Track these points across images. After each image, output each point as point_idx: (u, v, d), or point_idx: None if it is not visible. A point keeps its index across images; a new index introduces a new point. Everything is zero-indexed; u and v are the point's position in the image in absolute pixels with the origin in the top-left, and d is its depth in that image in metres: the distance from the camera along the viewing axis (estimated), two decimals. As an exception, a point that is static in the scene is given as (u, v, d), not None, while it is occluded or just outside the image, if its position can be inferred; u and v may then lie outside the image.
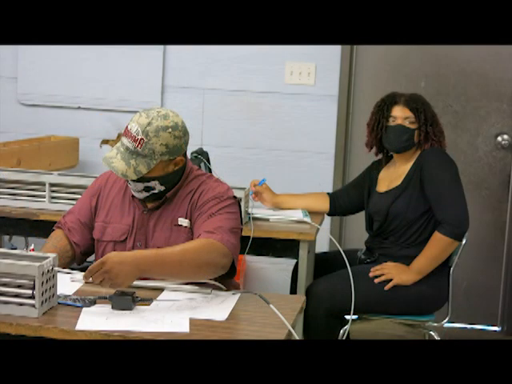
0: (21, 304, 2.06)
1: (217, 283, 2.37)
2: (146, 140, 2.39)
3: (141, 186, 2.46)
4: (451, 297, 3.37)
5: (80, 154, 4.57)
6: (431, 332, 3.38)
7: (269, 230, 3.32)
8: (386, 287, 3.24)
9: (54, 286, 2.14)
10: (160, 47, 4.55)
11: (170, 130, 2.41)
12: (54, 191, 3.42)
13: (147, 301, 2.22)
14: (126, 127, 2.43)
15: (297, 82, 4.47)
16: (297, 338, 2.08)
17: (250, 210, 3.39)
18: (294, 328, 2.10)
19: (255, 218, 3.39)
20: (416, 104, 3.35)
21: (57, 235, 2.61)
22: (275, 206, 3.62)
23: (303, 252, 3.29)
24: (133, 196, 2.54)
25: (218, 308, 2.21)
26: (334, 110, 4.47)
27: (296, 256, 3.32)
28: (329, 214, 3.70)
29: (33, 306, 2.05)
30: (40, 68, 4.68)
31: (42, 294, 2.06)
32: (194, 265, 2.26)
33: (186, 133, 2.48)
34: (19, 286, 2.07)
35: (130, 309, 2.15)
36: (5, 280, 2.07)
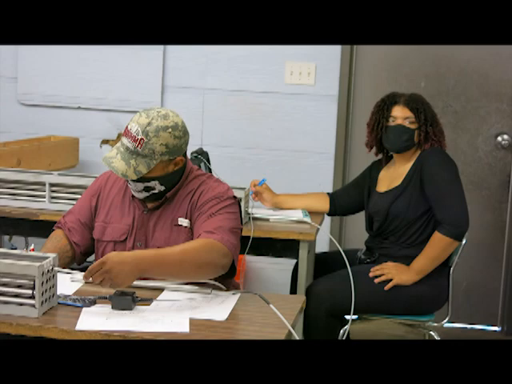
0: (21, 304, 2.06)
1: (217, 283, 2.37)
2: (146, 140, 2.39)
3: (141, 185, 2.46)
4: (451, 297, 3.37)
5: (80, 153, 4.57)
6: (431, 332, 3.38)
7: (269, 230, 3.32)
8: (386, 287, 3.24)
9: (54, 286, 2.14)
10: (160, 47, 4.55)
11: (170, 129, 2.41)
12: (54, 191, 3.42)
13: (147, 301, 2.22)
14: (126, 127, 2.43)
15: (297, 81, 4.47)
16: (297, 337, 2.08)
17: (250, 210, 3.39)
18: (294, 328, 2.09)
19: (255, 218, 3.39)
20: (416, 104, 3.35)
21: (57, 235, 2.61)
22: (275, 205, 3.62)
23: (303, 252, 3.29)
24: (133, 196, 2.54)
25: (218, 308, 2.21)
26: (334, 110, 4.46)
27: (296, 256, 3.32)
28: (329, 214, 3.69)
29: (33, 305, 2.05)
30: (40, 68, 4.68)
31: (42, 294, 2.06)
32: (194, 265, 2.26)
33: (186, 133, 2.47)
34: (19, 286, 2.06)
35: (130, 309, 2.15)
36: (5, 280, 2.07)
